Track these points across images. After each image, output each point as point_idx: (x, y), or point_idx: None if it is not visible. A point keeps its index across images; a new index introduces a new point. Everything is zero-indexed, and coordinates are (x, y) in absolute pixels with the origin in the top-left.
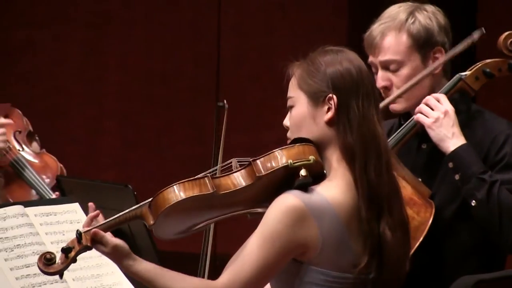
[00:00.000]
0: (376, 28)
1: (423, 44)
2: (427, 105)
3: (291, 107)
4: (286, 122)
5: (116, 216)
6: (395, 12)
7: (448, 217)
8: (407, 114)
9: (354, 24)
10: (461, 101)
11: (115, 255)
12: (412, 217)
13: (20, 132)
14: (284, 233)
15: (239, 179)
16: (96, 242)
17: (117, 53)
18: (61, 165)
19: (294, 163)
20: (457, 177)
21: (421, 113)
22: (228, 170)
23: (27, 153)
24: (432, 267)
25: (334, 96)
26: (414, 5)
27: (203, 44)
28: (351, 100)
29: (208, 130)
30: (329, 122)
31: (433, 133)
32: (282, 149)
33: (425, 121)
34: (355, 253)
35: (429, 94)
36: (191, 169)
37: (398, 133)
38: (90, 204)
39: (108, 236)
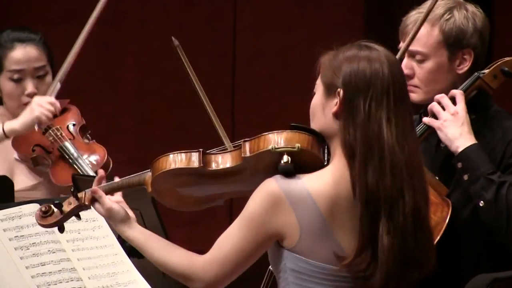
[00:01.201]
0: (412, 16)
1: (453, 43)
2: (439, 103)
3: (314, 93)
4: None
5: (119, 180)
6: (436, 4)
7: (465, 216)
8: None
9: (370, 22)
10: (480, 100)
11: (111, 218)
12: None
13: (74, 124)
14: (261, 215)
15: (228, 158)
16: (94, 201)
17: (133, 51)
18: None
19: (277, 148)
20: (465, 177)
21: (432, 112)
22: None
23: (77, 142)
24: (448, 266)
25: (341, 91)
26: (457, 2)
27: (219, 42)
28: (358, 98)
29: (223, 128)
30: (336, 115)
31: (442, 134)
32: (271, 133)
33: (434, 123)
34: (339, 246)
35: (449, 90)
36: None
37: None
38: (100, 170)
39: (106, 197)
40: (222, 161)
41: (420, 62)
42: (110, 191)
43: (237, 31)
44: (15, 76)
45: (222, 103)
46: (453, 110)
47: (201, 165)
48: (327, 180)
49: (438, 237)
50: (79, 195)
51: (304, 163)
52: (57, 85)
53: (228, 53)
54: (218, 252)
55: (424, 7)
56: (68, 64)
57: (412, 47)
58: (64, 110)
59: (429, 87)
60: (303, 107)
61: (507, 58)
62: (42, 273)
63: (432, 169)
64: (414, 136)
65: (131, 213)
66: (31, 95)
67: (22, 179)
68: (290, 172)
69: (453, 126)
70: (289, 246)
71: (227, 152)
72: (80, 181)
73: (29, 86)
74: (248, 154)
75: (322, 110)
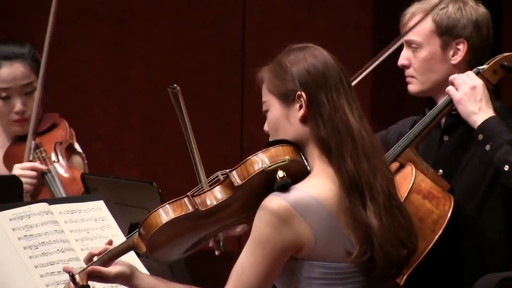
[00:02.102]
0: (410, 8)
1: (444, 32)
2: (452, 84)
3: (266, 111)
4: (266, 127)
5: (108, 251)
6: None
7: (468, 211)
8: (432, 103)
9: (379, 21)
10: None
11: (121, 282)
12: (431, 210)
13: (61, 143)
14: (272, 235)
15: (219, 193)
16: (94, 278)
17: (142, 51)
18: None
19: (269, 166)
20: (487, 147)
21: (453, 85)
22: (214, 183)
23: (60, 165)
24: (451, 262)
25: (303, 93)
26: None
27: (228, 41)
28: (320, 94)
29: (233, 127)
30: (303, 120)
31: (461, 107)
32: (256, 154)
33: (455, 95)
34: (349, 242)
35: (445, 81)
36: (216, 167)
37: (421, 123)
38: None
39: (105, 269)
40: (214, 197)
41: (415, 51)
42: (103, 264)
43: (246, 31)
44: (3, 94)
45: (231, 101)
46: (471, 84)
47: (196, 207)
48: (321, 182)
49: (441, 231)
50: (77, 279)
51: (292, 173)
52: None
53: (237, 52)
54: (238, 281)
55: (425, 1)
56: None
57: (408, 37)
58: (52, 126)
59: (424, 76)
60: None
61: (506, 54)
62: (51, 272)
63: (436, 163)
64: (367, 120)
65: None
66: (19, 113)
67: None
68: (288, 185)
69: (473, 101)
70: (305, 255)
71: (216, 187)
72: (89, 180)
73: (18, 104)
74: (240, 182)
75: (287, 120)
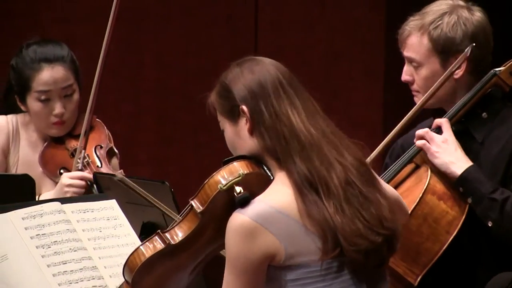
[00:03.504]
0: (406, 24)
1: (442, 50)
2: (422, 137)
3: (223, 131)
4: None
5: None
6: (429, 11)
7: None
8: (442, 111)
9: (392, 21)
10: (496, 98)
11: None
12: (445, 211)
13: (101, 147)
14: (240, 251)
15: (187, 223)
16: None
17: (154, 50)
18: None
19: (224, 186)
20: (469, 200)
21: (425, 138)
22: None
23: (105, 171)
24: (466, 263)
25: (244, 106)
26: (451, 7)
27: (240, 40)
28: (259, 104)
29: None
30: (251, 133)
31: (438, 161)
32: (211, 177)
33: (430, 149)
34: (315, 241)
35: (450, 94)
36: None
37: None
38: None
39: None
40: (183, 229)
41: (416, 69)
42: None
43: (259, 29)
44: (43, 97)
45: None
46: (442, 138)
47: (167, 242)
48: (279, 190)
49: (455, 232)
50: None
51: (254, 186)
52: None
53: (249, 51)
54: None
55: (420, 13)
56: (94, 96)
57: (407, 54)
58: (90, 129)
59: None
60: (323, 104)
61: None
62: (64, 272)
63: None
64: (321, 115)
65: None
66: (59, 116)
67: (49, 194)
68: (247, 200)
69: (447, 153)
70: (280, 262)
71: (182, 219)
72: (102, 179)
73: (57, 107)
74: (201, 208)
75: (238, 136)
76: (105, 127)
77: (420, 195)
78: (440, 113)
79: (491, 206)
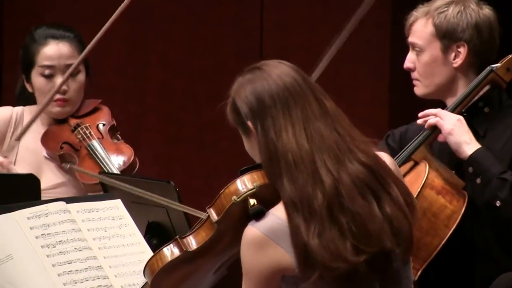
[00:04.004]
0: (414, 11)
1: (444, 35)
2: (436, 115)
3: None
4: None
5: None
6: (437, 0)
7: (482, 210)
8: (444, 105)
9: (398, 20)
10: (493, 94)
11: None
12: (444, 205)
13: (104, 124)
14: (253, 264)
15: (204, 231)
16: None
17: (159, 50)
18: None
19: (238, 197)
20: (478, 180)
21: (438, 116)
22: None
23: (106, 141)
24: (466, 257)
25: (249, 123)
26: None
27: (245, 40)
28: (257, 122)
29: None
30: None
31: (452, 139)
32: (227, 187)
33: (444, 126)
34: None
35: (449, 84)
36: (233, 166)
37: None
38: None
39: None
40: (199, 237)
41: (418, 54)
42: None
43: (264, 29)
44: (46, 72)
45: None
46: (457, 117)
47: (183, 250)
48: None
49: (454, 226)
50: None
51: (269, 197)
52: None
53: (254, 51)
54: None
55: (428, 3)
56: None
57: (411, 39)
58: (95, 110)
59: (428, 80)
60: None
61: None
62: (69, 271)
63: (450, 163)
64: (330, 116)
65: None
66: (60, 92)
67: (50, 177)
68: (261, 212)
69: (461, 132)
70: (293, 273)
71: (199, 227)
72: (105, 181)
73: (60, 83)
74: (217, 218)
75: (253, 148)
76: (110, 112)
77: (419, 189)
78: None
79: (500, 185)
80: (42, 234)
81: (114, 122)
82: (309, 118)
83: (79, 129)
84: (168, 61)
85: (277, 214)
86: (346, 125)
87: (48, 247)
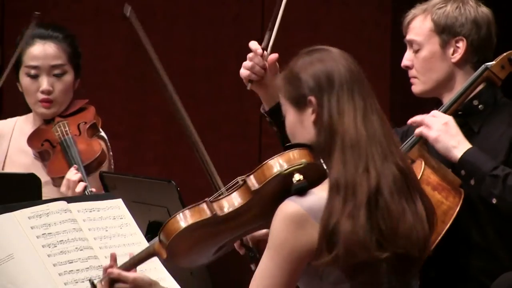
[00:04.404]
0: (412, 10)
1: (442, 30)
2: (422, 124)
3: (285, 116)
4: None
5: (130, 258)
6: None
7: (479, 206)
8: (440, 104)
9: (398, 19)
10: (488, 92)
11: (138, 287)
12: (440, 201)
13: (85, 123)
14: (288, 240)
15: (237, 198)
16: (114, 282)
17: (161, 49)
18: (111, 154)
19: (285, 170)
20: (472, 182)
21: (424, 125)
22: (233, 189)
23: (80, 138)
24: (465, 256)
25: (312, 98)
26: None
27: (246, 40)
28: (324, 98)
29: (252, 126)
30: (315, 123)
31: (440, 145)
32: (272, 158)
33: (430, 134)
34: None
35: (447, 80)
36: (235, 165)
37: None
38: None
39: (124, 272)
40: (232, 202)
41: (416, 51)
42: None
43: (265, 29)
44: (32, 72)
45: (250, 100)
46: (443, 121)
47: (214, 213)
48: None
49: (451, 221)
50: (97, 286)
51: (311, 177)
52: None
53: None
54: None
55: (427, 2)
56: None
57: (409, 37)
58: (81, 109)
59: (426, 76)
60: None
61: None
62: (70, 271)
63: (447, 162)
64: (379, 115)
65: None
66: (45, 92)
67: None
68: (305, 189)
69: (449, 136)
70: (324, 261)
71: (233, 192)
72: (108, 178)
73: (44, 83)
74: (257, 186)
75: (301, 125)
76: (95, 112)
77: None
78: (437, 107)
79: (493, 182)
80: (43, 234)
81: (96, 121)
82: (367, 109)
83: (56, 126)
84: (169, 60)
85: (321, 195)
86: (389, 127)
87: (49, 247)
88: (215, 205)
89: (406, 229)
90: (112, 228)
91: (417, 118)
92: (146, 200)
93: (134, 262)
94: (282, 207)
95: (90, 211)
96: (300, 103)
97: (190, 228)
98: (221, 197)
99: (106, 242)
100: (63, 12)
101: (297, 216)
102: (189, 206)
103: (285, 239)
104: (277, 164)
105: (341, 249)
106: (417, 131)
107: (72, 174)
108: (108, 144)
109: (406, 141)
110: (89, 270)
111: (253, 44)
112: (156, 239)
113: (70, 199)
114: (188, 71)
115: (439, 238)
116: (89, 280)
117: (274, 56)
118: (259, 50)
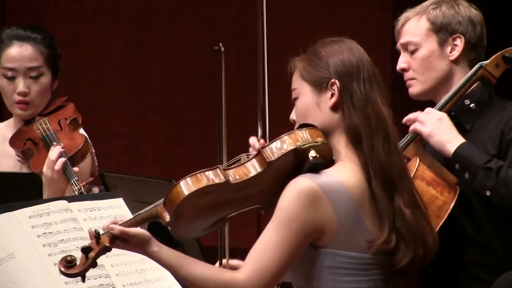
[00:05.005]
0: (402, 15)
1: (440, 29)
2: (416, 120)
3: (296, 99)
4: (293, 116)
5: (132, 217)
6: (426, 2)
7: (475, 204)
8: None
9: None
10: (483, 90)
11: (138, 244)
12: (435, 196)
13: (65, 119)
14: (300, 214)
15: (250, 167)
16: (115, 238)
17: (162, 49)
18: (91, 149)
19: (302, 145)
20: (466, 175)
21: (418, 121)
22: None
23: (62, 133)
24: (462, 253)
25: (337, 81)
26: (451, 0)
27: (247, 39)
28: (353, 83)
29: (253, 125)
30: (334, 107)
31: (433, 140)
32: (289, 133)
33: (423, 129)
34: (370, 233)
35: (445, 79)
36: None
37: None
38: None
39: (126, 228)
40: (245, 171)
41: (413, 52)
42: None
43: (267, 28)
44: (9, 74)
45: (251, 100)
46: (437, 116)
47: (226, 179)
48: (351, 170)
49: (446, 216)
50: (101, 238)
51: (323, 157)
52: None
53: (257, 50)
54: (259, 262)
55: (419, 6)
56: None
57: (403, 40)
58: (60, 107)
59: (425, 75)
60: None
61: (509, 48)
62: None
63: (444, 161)
64: (388, 112)
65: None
66: (21, 94)
67: None
68: (319, 166)
69: (443, 131)
70: (327, 243)
71: (248, 161)
72: (109, 178)
73: (20, 85)
74: (272, 158)
75: (317, 107)
76: (75, 108)
77: None
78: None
79: (486, 175)
80: (43, 233)
81: (76, 116)
82: (381, 103)
83: (37, 124)
84: (170, 60)
85: (335, 175)
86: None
87: (50, 246)
88: (228, 172)
89: (434, 231)
90: None
91: (411, 116)
92: (146, 200)
93: (136, 222)
94: (295, 182)
95: (91, 211)
96: (320, 85)
97: (199, 192)
98: (234, 165)
99: None
100: (64, 12)
101: (311, 192)
102: (200, 171)
103: (296, 213)
104: (294, 138)
105: (405, 235)
106: (412, 127)
107: (52, 153)
108: (90, 142)
109: (402, 140)
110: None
111: (252, 140)
112: (159, 202)
113: (71, 198)
114: (189, 70)
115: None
116: (95, 230)
117: None
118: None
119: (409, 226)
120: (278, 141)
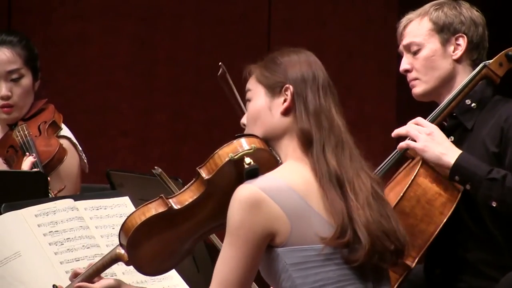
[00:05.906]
0: (404, 17)
1: (442, 28)
2: (408, 136)
3: (249, 100)
4: (244, 120)
5: (93, 265)
6: (427, 4)
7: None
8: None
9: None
10: (486, 89)
11: None
12: (439, 193)
13: (45, 122)
14: (244, 220)
15: (192, 190)
16: None
17: (168, 47)
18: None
19: (235, 155)
20: (468, 187)
21: (409, 137)
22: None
23: (40, 138)
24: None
25: (291, 86)
26: (450, 1)
27: (253, 37)
28: (307, 90)
29: None
30: (285, 112)
31: (428, 155)
32: (222, 147)
33: (416, 146)
34: (325, 224)
35: (448, 78)
36: None
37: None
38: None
39: (90, 284)
40: (187, 195)
41: (416, 53)
42: (89, 279)
43: (272, 26)
44: None
45: None
46: (427, 131)
47: (169, 206)
48: (292, 169)
49: (449, 213)
50: None
51: (262, 164)
52: None
53: (262, 48)
54: (220, 277)
55: (420, 8)
56: None
57: (406, 41)
58: (40, 110)
59: (428, 75)
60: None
61: None
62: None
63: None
64: (343, 121)
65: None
66: (4, 98)
67: None
68: (256, 171)
69: (435, 145)
70: (283, 241)
71: (187, 187)
72: (115, 176)
73: (2, 89)
74: (209, 176)
75: (269, 111)
76: (55, 109)
77: (412, 177)
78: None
79: (491, 186)
80: (50, 232)
81: (55, 118)
82: (335, 112)
83: (16, 131)
84: (176, 58)
85: (276, 176)
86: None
87: (56, 245)
88: (171, 199)
89: (399, 225)
90: (118, 226)
91: (401, 130)
92: (153, 198)
93: (98, 269)
94: (235, 192)
95: (97, 209)
96: (274, 89)
97: (146, 223)
98: (177, 193)
99: (113, 239)
100: (70, 10)
101: (251, 196)
102: (145, 203)
103: (241, 220)
104: (226, 152)
105: (359, 234)
106: (403, 144)
107: (24, 165)
108: (74, 140)
109: (391, 156)
110: None
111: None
112: (117, 246)
113: (77, 197)
114: (194, 69)
115: (438, 229)
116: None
117: None
118: None
119: (368, 221)
120: (212, 157)
